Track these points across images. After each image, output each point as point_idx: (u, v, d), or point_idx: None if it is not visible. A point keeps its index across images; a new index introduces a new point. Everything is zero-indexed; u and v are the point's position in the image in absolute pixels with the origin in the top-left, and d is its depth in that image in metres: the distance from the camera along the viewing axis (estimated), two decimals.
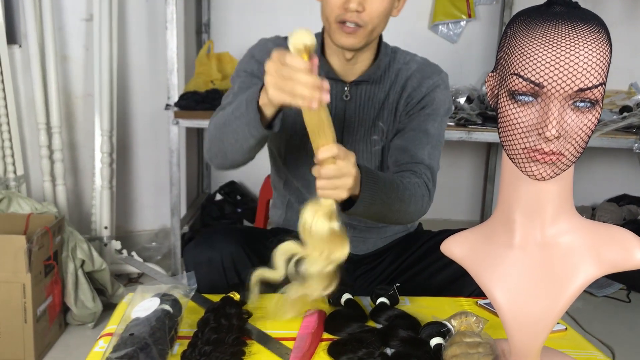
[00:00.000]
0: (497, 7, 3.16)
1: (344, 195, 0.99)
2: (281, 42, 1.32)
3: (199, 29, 3.15)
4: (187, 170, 2.91)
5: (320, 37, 1.32)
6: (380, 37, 1.32)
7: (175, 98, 2.44)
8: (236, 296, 1.09)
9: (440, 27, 3.16)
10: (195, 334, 0.97)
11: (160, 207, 2.85)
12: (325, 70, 1.30)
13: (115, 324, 1.02)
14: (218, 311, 1.02)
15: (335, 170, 0.97)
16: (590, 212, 3.02)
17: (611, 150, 2.66)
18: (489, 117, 2.51)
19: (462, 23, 3.16)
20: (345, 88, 1.32)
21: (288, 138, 1.34)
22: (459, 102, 2.62)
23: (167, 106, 2.43)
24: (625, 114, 2.55)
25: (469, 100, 2.65)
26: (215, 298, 1.12)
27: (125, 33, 2.63)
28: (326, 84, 0.92)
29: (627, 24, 3.08)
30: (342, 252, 1.00)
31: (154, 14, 2.67)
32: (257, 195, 2.88)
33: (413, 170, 1.24)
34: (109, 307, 2.17)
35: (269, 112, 1.05)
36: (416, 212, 1.21)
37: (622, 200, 3.10)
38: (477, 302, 1.19)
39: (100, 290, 2.22)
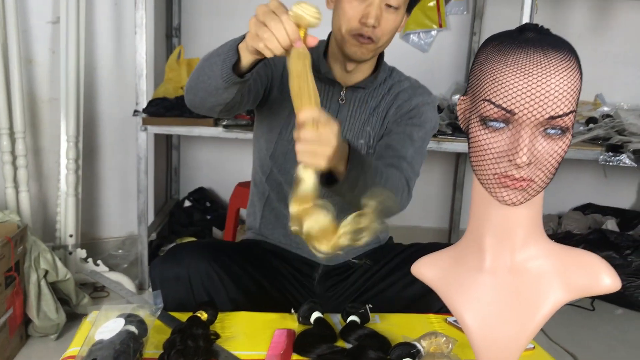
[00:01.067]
0: (468, 17, 3.18)
1: (322, 163, 0.94)
2: None
3: (169, 33, 3.10)
4: (155, 177, 2.86)
5: (325, 42, 1.37)
6: (382, 52, 1.38)
7: (144, 104, 2.39)
8: (204, 315, 1.07)
9: (411, 36, 3.18)
10: (161, 357, 0.95)
11: (127, 214, 2.79)
12: (324, 72, 1.35)
13: (78, 346, 0.99)
14: (184, 332, 1.00)
15: (316, 135, 0.92)
16: (557, 221, 3.07)
17: (577, 161, 2.71)
18: (459, 127, 2.52)
19: (433, 32, 3.17)
20: (342, 92, 1.37)
21: (281, 129, 1.36)
22: None
23: (136, 112, 2.38)
24: (591, 125, 2.59)
25: (438, 109, 2.66)
26: (183, 316, 1.10)
27: (93, 36, 2.57)
28: (300, 44, 0.92)
29: (592, 36, 3.14)
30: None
31: (123, 17, 2.61)
32: (227, 201, 2.85)
33: (395, 165, 1.26)
34: (73, 318, 2.12)
35: (245, 59, 1.03)
36: (395, 205, 1.19)
37: (587, 209, 3.16)
38: (446, 319, 1.19)
39: (64, 301, 2.16)
